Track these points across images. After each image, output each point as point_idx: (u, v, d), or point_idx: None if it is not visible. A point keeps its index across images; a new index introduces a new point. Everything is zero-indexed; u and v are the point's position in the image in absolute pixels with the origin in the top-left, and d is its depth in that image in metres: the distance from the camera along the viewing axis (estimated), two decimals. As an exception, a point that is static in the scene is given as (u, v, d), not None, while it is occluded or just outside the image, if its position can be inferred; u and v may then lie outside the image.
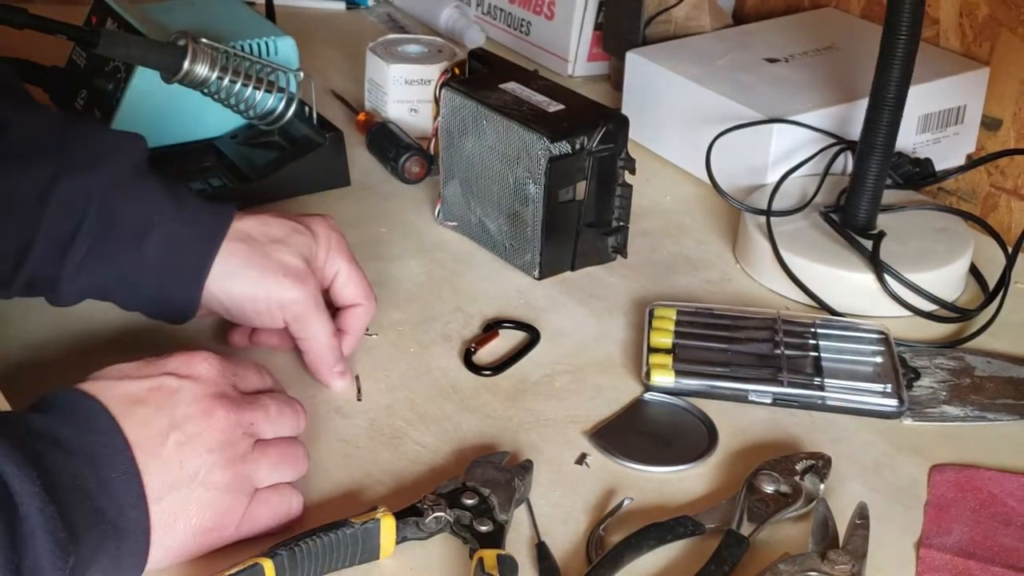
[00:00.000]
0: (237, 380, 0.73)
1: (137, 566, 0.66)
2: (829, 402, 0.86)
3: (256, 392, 0.74)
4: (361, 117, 1.24)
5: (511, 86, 1.02)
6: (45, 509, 0.59)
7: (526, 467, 0.77)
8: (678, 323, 0.92)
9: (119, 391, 0.68)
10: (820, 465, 0.78)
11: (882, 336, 0.91)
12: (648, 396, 0.87)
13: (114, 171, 0.82)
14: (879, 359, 0.89)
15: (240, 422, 0.70)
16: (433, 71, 1.20)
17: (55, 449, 0.63)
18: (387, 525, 0.71)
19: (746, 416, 0.85)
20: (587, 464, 0.81)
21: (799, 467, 0.77)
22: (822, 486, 0.77)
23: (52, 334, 0.90)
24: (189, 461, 0.68)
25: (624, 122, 0.99)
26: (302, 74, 1.08)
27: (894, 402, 0.86)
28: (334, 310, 0.88)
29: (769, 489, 0.76)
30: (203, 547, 0.70)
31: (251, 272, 0.83)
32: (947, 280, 0.99)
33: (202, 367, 0.71)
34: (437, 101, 1.04)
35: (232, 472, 0.69)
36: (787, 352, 0.89)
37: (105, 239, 0.81)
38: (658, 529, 0.73)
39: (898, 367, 0.88)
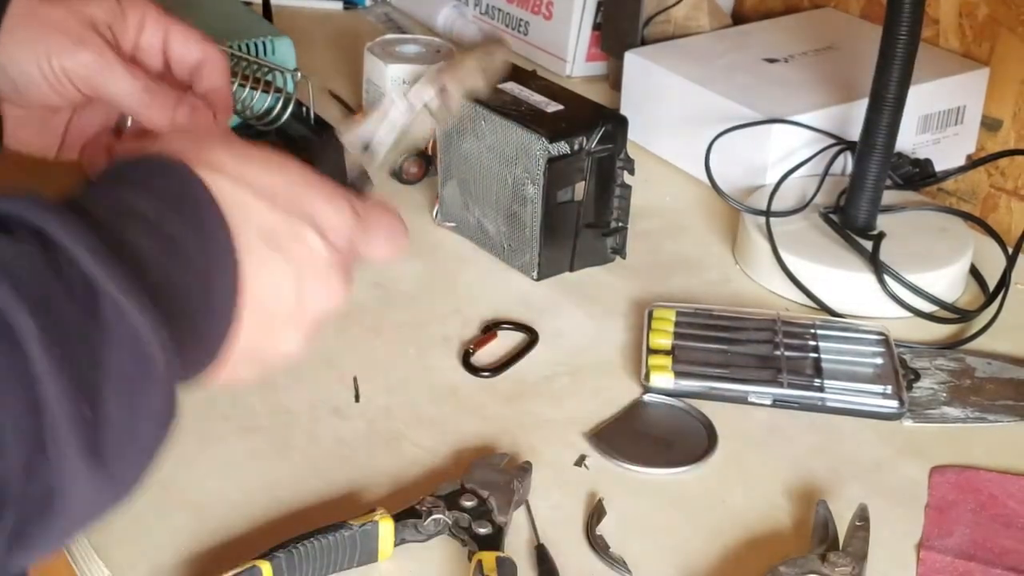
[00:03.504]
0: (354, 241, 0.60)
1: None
2: (829, 403, 0.86)
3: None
4: (359, 117, 1.23)
5: (509, 86, 1.02)
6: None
7: (525, 469, 0.77)
8: (677, 324, 0.91)
9: (256, 218, 0.54)
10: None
11: (882, 337, 0.91)
12: (647, 397, 0.87)
13: None
14: (879, 360, 0.89)
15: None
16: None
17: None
18: (385, 527, 0.70)
19: (746, 417, 0.85)
20: (586, 466, 0.80)
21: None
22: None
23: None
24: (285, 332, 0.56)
25: (623, 122, 0.99)
26: (299, 74, 1.08)
27: (894, 403, 0.85)
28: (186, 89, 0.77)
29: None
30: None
31: (29, 41, 0.71)
32: (947, 281, 0.98)
33: (340, 218, 0.58)
34: (435, 101, 1.04)
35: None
36: (787, 353, 0.88)
37: None
38: None
39: (898, 368, 0.88)
